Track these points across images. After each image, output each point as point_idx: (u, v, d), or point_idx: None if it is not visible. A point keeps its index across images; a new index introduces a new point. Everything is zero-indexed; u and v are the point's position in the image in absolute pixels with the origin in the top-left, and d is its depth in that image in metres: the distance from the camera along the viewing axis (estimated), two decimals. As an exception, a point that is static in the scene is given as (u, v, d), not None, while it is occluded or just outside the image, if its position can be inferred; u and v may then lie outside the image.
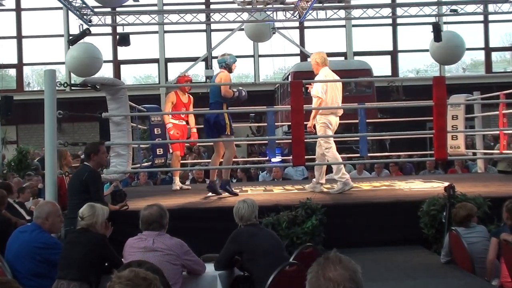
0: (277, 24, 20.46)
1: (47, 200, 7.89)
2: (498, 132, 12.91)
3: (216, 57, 11.96)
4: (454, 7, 18.76)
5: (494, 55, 27.66)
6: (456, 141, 12.68)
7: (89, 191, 7.42)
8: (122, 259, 5.65)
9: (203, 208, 8.71)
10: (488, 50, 26.85)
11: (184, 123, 11.40)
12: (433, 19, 18.62)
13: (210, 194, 9.82)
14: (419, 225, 7.97)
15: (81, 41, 18.05)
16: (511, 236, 5.72)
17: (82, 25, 17.41)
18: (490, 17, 24.60)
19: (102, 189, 8.25)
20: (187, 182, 11.46)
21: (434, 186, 10.09)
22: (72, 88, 22.42)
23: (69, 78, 24.37)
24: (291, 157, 9.88)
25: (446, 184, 8.08)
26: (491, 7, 18.97)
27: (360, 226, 8.21)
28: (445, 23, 21.39)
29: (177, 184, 11.46)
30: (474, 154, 14.29)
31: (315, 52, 10.31)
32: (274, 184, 12.21)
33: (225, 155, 9.81)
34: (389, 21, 24.61)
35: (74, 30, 19.03)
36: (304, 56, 25.43)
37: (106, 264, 5.85)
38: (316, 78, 9.96)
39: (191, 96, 11.45)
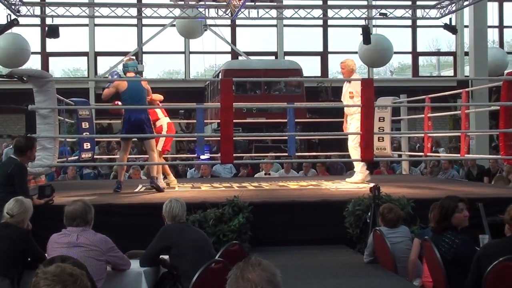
0: (208, 21, 20.45)
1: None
2: (423, 134, 13.17)
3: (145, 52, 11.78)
4: (383, 11, 19.08)
5: (421, 60, 28.22)
6: (382, 143, 12.87)
7: (14, 184, 7.27)
8: (46, 255, 5.56)
9: (129, 204, 8.62)
10: (415, 54, 27.35)
11: None
12: (363, 22, 18.92)
13: (141, 189, 9.80)
14: (344, 224, 8.07)
15: (9, 31, 17.69)
16: None
17: (10, 15, 17.05)
18: (418, 22, 25.09)
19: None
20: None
21: (360, 187, 10.23)
22: (-2, 79, 21.92)
23: (-5, 68, 23.85)
24: (219, 155, 9.89)
25: (372, 185, 8.21)
26: (419, 12, 19.38)
27: (286, 225, 8.26)
28: (374, 26, 21.70)
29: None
30: (400, 155, 14.56)
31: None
32: (202, 181, 12.20)
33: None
34: (320, 22, 24.79)
35: (1, 20, 18.60)
36: (235, 54, 25.45)
37: (29, 259, 5.76)
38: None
39: None
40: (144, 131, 9.68)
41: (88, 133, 11.38)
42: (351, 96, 10.80)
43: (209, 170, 13.95)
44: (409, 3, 23.10)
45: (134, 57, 10.30)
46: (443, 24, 18.95)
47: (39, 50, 24.98)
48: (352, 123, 10.88)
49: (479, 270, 5.18)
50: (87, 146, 11.52)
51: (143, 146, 10.36)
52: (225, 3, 18.01)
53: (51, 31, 17.87)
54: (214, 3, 18.38)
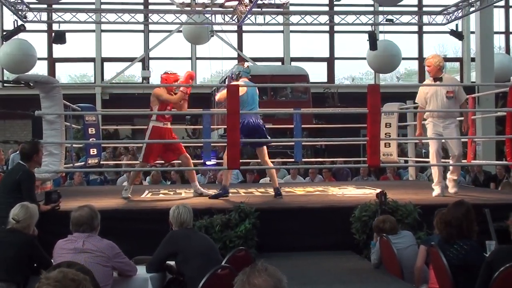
0: (215, 27, 20.47)
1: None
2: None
3: (152, 58, 11.73)
4: (389, 16, 19.08)
5: (428, 65, 28.17)
6: (388, 149, 12.85)
7: (21, 190, 7.27)
8: (52, 260, 5.56)
9: (135, 209, 8.62)
10: (421, 60, 27.31)
11: (168, 125, 9.87)
12: (369, 28, 18.92)
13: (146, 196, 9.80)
14: (351, 230, 8.05)
15: (15, 37, 17.76)
16: None
17: (16, 21, 17.11)
18: (424, 28, 25.09)
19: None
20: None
21: (366, 193, 10.20)
22: (5, 85, 22.02)
23: (2, 74, 23.90)
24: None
25: (378, 190, 8.18)
26: (426, 18, 19.38)
27: (293, 231, 8.23)
28: (381, 32, 21.69)
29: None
30: (406, 161, 14.52)
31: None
32: (208, 187, 12.17)
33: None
34: (327, 28, 24.81)
35: (8, 25, 18.66)
36: (241, 60, 25.46)
37: (35, 265, 5.76)
38: None
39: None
40: (261, 137, 9.50)
41: (94, 139, 11.39)
42: (449, 96, 9.80)
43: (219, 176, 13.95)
44: (416, 9, 23.14)
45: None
46: (450, 30, 18.96)
47: (45, 56, 25.04)
48: (451, 129, 9.85)
49: (489, 275, 5.17)
50: (93, 152, 11.53)
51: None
52: (231, 9, 18.04)
53: (58, 37, 17.92)
54: (221, 9, 18.42)
